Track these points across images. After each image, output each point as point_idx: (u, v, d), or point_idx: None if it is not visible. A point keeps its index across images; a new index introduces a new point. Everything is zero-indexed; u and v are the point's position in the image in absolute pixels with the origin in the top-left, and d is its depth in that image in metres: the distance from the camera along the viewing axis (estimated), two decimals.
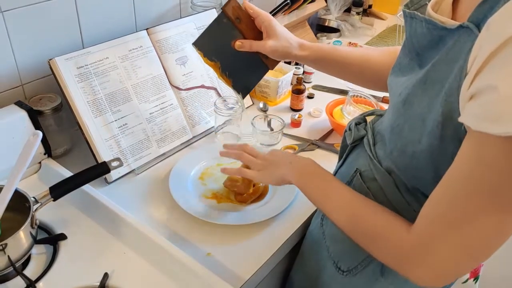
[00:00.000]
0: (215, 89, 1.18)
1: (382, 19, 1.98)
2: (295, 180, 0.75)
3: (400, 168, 0.65)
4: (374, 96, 1.20)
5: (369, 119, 0.79)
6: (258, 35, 0.83)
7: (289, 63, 1.40)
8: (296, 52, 0.85)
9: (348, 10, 1.93)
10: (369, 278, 0.72)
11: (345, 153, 0.79)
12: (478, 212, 0.48)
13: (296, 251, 0.91)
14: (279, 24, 0.84)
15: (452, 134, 0.53)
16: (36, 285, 0.73)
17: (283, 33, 0.84)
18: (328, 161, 1.07)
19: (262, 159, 0.83)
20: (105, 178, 0.95)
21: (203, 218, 0.86)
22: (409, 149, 0.61)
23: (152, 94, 1.05)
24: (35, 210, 0.74)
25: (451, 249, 0.51)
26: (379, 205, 0.63)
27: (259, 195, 0.94)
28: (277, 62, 0.85)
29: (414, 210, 0.65)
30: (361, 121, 0.79)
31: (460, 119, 0.47)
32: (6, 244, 0.69)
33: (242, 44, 0.81)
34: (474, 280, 0.74)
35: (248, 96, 1.27)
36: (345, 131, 0.80)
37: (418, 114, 0.58)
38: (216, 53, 0.80)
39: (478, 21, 0.49)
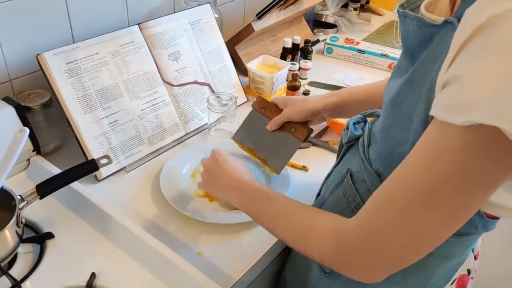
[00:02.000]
0: (208, 85, 1.16)
1: (380, 14, 1.96)
2: (240, 206, 0.74)
3: (388, 171, 0.63)
4: None
5: (370, 119, 0.78)
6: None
7: (293, 58, 1.39)
8: (316, 103, 0.88)
9: (345, 6, 1.91)
10: (350, 281, 0.71)
11: (341, 152, 0.78)
12: (424, 203, 0.47)
13: (288, 251, 0.89)
14: (293, 96, 0.97)
15: None
16: (22, 285, 0.71)
17: (297, 98, 0.92)
18: (323, 158, 1.06)
19: (207, 173, 0.82)
20: (95, 176, 0.93)
21: (194, 216, 0.84)
22: (396, 150, 0.59)
23: (144, 90, 1.03)
24: (21, 208, 0.73)
25: (395, 239, 0.50)
26: (315, 209, 0.64)
27: None
28: (306, 132, 0.89)
29: None
30: (360, 120, 0.78)
31: (430, 112, 0.46)
32: None
33: (270, 125, 0.91)
34: None
35: (242, 93, 1.26)
36: (344, 129, 0.79)
37: (406, 113, 0.57)
38: (251, 140, 0.93)
39: (461, 16, 0.47)
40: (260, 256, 0.80)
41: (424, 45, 0.55)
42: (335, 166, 0.80)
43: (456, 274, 0.69)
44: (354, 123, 0.77)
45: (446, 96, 0.45)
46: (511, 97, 0.39)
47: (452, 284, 0.70)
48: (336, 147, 1.07)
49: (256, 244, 0.82)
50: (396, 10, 0.60)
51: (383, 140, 0.64)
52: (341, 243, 0.55)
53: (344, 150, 0.77)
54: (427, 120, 0.51)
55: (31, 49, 0.95)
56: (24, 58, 0.96)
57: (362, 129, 0.75)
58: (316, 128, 1.17)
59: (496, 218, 0.61)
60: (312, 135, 1.13)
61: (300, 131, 0.88)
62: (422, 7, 0.57)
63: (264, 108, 0.92)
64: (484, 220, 0.59)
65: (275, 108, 0.92)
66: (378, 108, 0.86)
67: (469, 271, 0.71)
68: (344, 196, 0.71)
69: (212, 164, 0.81)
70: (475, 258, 0.75)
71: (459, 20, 0.47)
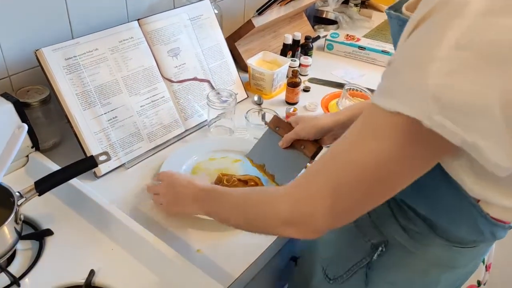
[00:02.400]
0: (208, 81, 1.16)
1: (381, 11, 1.95)
2: (203, 213, 0.76)
3: None
4: (370, 90, 1.18)
5: None
6: None
7: (293, 54, 1.38)
8: (325, 121, 0.87)
9: (346, 2, 1.90)
10: (354, 287, 0.71)
11: None
12: (354, 184, 0.49)
13: (288, 249, 0.89)
14: (307, 115, 0.94)
15: None
16: (21, 281, 0.71)
17: (309, 116, 0.93)
18: None
19: (165, 188, 0.83)
20: (94, 172, 0.93)
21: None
22: None
23: (143, 86, 1.02)
24: (20, 205, 0.72)
25: (323, 194, 0.51)
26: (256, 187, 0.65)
27: None
28: (314, 148, 0.89)
29: (400, 225, 0.64)
30: None
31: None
32: None
33: (282, 142, 0.92)
34: None
35: (242, 89, 1.25)
36: None
37: None
38: (262, 157, 0.96)
39: None
40: (260, 254, 0.80)
41: None
42: None
43: (464, 285, 0.68)
44: None
45: (382, 79, 0.47)
46: (422, 85, 0.40)
47: None
48: None
49: (256, 242, 0.82)
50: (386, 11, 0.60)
51: None
52: (291, 203, 0.56)
53: None
54: None
55: (30, 45, 0.95)
56: (22, 54, 0.96)
57: None
58: None
59: (506, 222, 0.59)
60: None
61: (309, 148, 0.89)
62: (403, 7, 0.57)
63: (278, 126, 0.95)
64: (490, 224, 0.57)
65: (289, 127, 0.94)
66: None
67: (479, 283, 0.70)
68: None
69: (168, 185, 0.82)
70: (487, 269, 0.73)
71: None
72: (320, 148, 0.89)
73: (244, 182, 0.93)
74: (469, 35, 0.38)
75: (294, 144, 0.90)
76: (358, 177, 0.48)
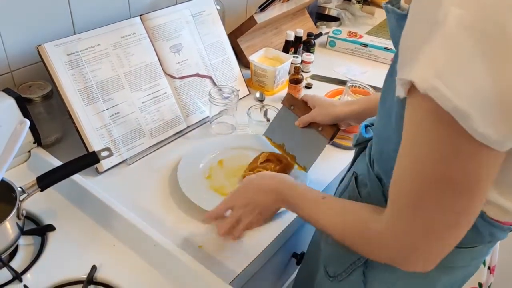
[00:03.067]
0: (210, 77, 1.15)
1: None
2: (286, 207, 0.72)
3: (383, 171, 0.63)
4: (373, 87, 1.17)
5: None
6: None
7: (295, 51, 1.38)
8: (342, 108, 0.88)
9: None
10: (353, 285, 0.71)
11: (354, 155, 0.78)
12: (423, 190, 0.46)
13: (288, 245, 0.89)
14: (323, 97, 0.94)
15: None
16: (23, 277, 0.71)
17: (326, 100, 0.93)
18: (325, 153, 1.05)
19: (243, 205, 0.73)
20: (96, 168, 0.93)
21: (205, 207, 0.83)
22: (385, 148, 0.59)
23: (145, 82, 1.02)
24: (22, 200, 0.72)
25: (415, 229, 0.49)
26: (351, 204, 0.62)
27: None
28: (332, 131, 0.90)
29: None
30: (374, 122, 0.77)
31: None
32: None
33: (299, 123, 0.92)
34: None
35: (244, 85, 1.25)
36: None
37: (388, 110, 0.56)
38: (281, 136, 0.96)
39: None
40: (261, 250, 0.80)
41: None
42: (347, 171, 0.80)
43: (465, 287, 0.68)
44: (366, 125, 0.76)
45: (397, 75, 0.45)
46: (421, 49, 0.39)
47: None
48: (343, 142, 1.07)
49: (258, 238, 0.82)
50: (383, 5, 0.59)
51: (375, 139, 0.64)
52: (377, 247, 0.55)
53: (356, 154, 0.77)
54: (403, 114, 0.51)
55: (32, 40, 0.94)
56: (24, 49, 0.96)
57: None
58: None
59: (504, 223, 0.58)
60: None
61: (327, 130, 0.90)
62: (402, 0, 0.56)
63: (293, 105, 0.94)
64: (488, 225, 0.57)
65: (304, 106, 0.93)
66: None
67: (480, 285, 0.69)
68: (349, 199, 0.70)
69: (241, 195, 0.75)
70: (491, 272, 0.72)
71: None
72: (338, 130, 0.91)
73: (276, 161, 0.93)
74: None
75: (311, 125, 0.91)
76: (425, 187, 0.46)
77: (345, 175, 0.80)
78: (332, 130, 0.89)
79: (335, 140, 1.08)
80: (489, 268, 0.71)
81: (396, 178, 0.50)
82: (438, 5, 0.38)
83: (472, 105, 0.38)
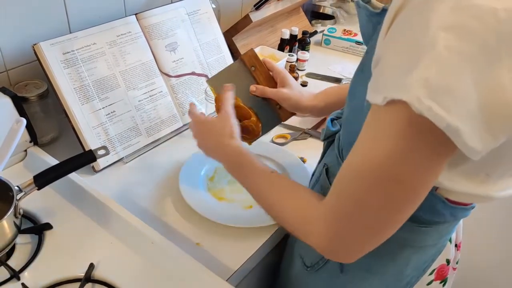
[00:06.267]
0: (206, 76, 1.16)
1: None
2: (227, 169, 0.74)
3: None
4: None
5: None
6: (271, 85, 0.86)
7: (290, 49, 1.38)
8: (306, 102, 0.85)
9: None
10: (330, 274, 0.73)
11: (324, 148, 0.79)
12: (372, 190, 0.48)
13: (286, 243, 0.90)
14: (292, 78, 0.88)
15: None
16: (20, 275, 0.71)
17: (296, 85, 0.86)
18: (320, 150, 1.06)
19: (194, 133, 0.80)
20: (93, 167, 0.93)
21: (205, 214, 0.84)
22: (354, 140, 0.60)
23: (141, 81, 1.03)
24: (19, 199, 0.73)
25: (349, 224, 0.51)
26: (296, 185, 0.63)
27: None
28: (290, 115, 0.85)
29: None
30: (340, 115, 0.78)
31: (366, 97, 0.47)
32: None
33: (256, 89, 0.84)
34: (441, 282, 0.73)
35: None
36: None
37: (358, 103, 0.57)
38: None
39: None
40: (258, 247, 0.80)
41: (373, 34, 0.56)
42: (318, 163, 0.81)
43: (435, 264, 0.70)
44: (332, 119, 0.77)
45: (372, 78, 0.46)
46: (412, 70, 0.40)
47: (431, 274, 0.71)
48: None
49: (254, 235, 0.83)
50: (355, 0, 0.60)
51: (344, 132, 0.65)
52: (310, 231, 0.56)
53: (325, 147, 0.78)
54: None
55: (28, 39, 0.94)
56: (20, 48, 0.96)
57: (341, 125, 0.75)
58: (314, 120, 1.17)
59: (466, 205, 0.61)
60: (309, 127, 1.13)
61: (285, 112, 0.84)
62: None
63: (254, 66, 0.83)
64: (450, 207, 0.59)
65: (266, 74, 0.83)
66: None
67: (448, 261, 0.71)
68: (321, 191, 0.72)
69: (197, 127, 0.79)
70: (457, 249, 0.75)
71: None
72: (294, 114, 0.87)
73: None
74: (452, 17, 0.39)
75: (268, 99, 0.84)
76: (373, 185, 0.48)
77: (316, 167, 0.81)
78: (290, 115, 0.84)
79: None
80: (456, 245, 0.74)
81: (344, 171, 0.52)
82: (425, 28, 0.40)
83: (462, 121, 0.39)
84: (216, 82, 0.84)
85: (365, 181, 0.48)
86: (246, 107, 0.83)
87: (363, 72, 0.57)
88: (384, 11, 0.53)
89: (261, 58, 0.86)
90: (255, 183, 0.67)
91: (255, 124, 0.84)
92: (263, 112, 0.83)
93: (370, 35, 0.57)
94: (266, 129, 0.85)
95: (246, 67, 0.83)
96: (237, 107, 0.80)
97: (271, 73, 0.86)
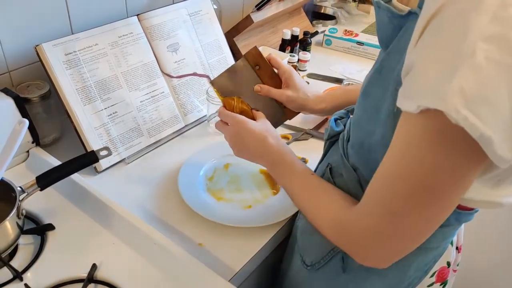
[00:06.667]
0: (207, 76, 1.16)
1: None
2: (268, 170, 0.75)
3: (361, 163, 0.64)
4: None
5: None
6: (276, 84, 0.85)
7: (292, 49, 1.38)
8: (312, 105, 0.85)
9: None
10: (331, 273, 0.73)
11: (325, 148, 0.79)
12: (405, 199, 0.48)
13: (287, 243, 0.90)
14: (299, 77, 0.86)
15: None
16: (23, 276, 0.71)
17: (302, 85, 0.85)
18: (322, 150, 1.06)
19: (229, 137, 0.78)
20: (95, 167, 0.94)
21: (203, 214, 0.84)
22: (366, 141, 0.60)
23: (143, 81, 1.03)
24: (22, 200, 0.73)
25: (380, 233, 0.51)
26: (329, 186, 0.64)
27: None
28: (295, 113, 0.84)
29: None
30: (343, 115, 0.78)
31: (397, 103, 0.47)
32: None
33: (260, 89, 0.83)
34: (441, 285, 0.73)
35: None
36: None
37: (374, 104, 0.57)
38: (232, 93, 0.82)
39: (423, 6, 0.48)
40: (260, 247, 0.80)
41: (394, 36, 0.56)
42: (319, 162, 0.81)
43: (436, 267, 0.70)
44: (335, 119, 0.77)
45: (404, 85, 0.46)
46: (449, 80, 0.40)
47: (432, 276, 0.71)
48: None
49: (256, 236, 0.83)
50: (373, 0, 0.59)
51: (355, 132, 0.65)
52: (342, 234, 0.57)
53: (327, 147, 0.78)
54: (396, 113, 0.52)
55: (30, 40, 0.95)
56: (22, 49, 0.96)
57: (344, 125, 0.75)
58: (315, 120, 1.17)
59: (471, 209, 0.61)
60: (311, 127, 1.14)
61: (290, 112, 0.83)
62: None
63: (258, 65, 0.81)
64: (455, 212, 0.59)
65: (271, 72, 0.82)
66: None
67: (448, 263, 0.71)
68: None
69: (235, 129, 0.77)
70: (458, 251, 0.75)
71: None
72: (299, 112, 0.86)
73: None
74: (492, 28, 0.39)
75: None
76: (406, 193, 0.48)
77: (317, 166, 0.81)
78: (296, 113, 0.84)
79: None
80: (457, 248, 0.74)
81: (377, 179, 0.52)
82: (463, 37, 0.40)
83: (495, 131, 0.40)
84: (220, 83, 0.83)
85: (398, 189, 0.48)
86: (251, 110, 0.83)
87: (381, 74, 0.57)
88: (410, 14, 0.52)
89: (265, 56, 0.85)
90: (295, 184, 0.68)
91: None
92: (268, 111, 0.82)
93: (389, 37, 0.57)
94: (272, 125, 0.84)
95: (250, 65, 0.82)
96: (242, 112, 0.80)
97: (276, 70, 0.85)
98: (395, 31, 0.55)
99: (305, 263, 0.77)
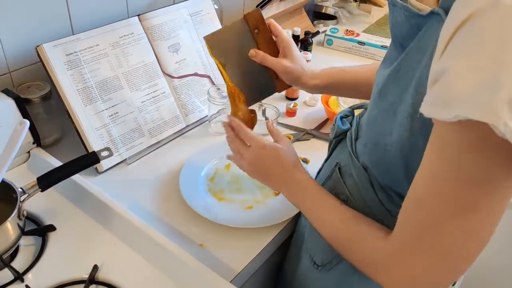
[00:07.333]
0: (208, 77, 1.16)
1: (380, 6, 1.95)
2: (287, 198, 0.72)
3: (373, 163, 0.64)
4: None
5: (358, 112, 0.78)
6: (272, 52, 0.82)
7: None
8: (306, 80, 0.83)
9: None
10: (342, 274, 0.72)
11: (331, 146, 0.78)
12: (446, 216, 0.46)
13: (289, 243, 0.90)
14: (297, 49, 0.83)
15: (420, 127, 0.51)
16: (24, 277, 0.71)
17: (299, 57, 0.82)
18: (324, 151, 1.06)
19: (249, 159, 0.75)
20: (96, 168, 0.93)
21: (204, 214, 0.83)
22: (381, 141, 0.59)
23: (144, 82, 1.02)
24: (23, 201, 0.73)
25: (426, 258, 0.49)
26: (359, 215, 0.62)
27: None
28: (286, 86, 0.82)
29: (386, 209, 0.63)
30: (348, 114, 0.78)
31: (420, 108, 0.45)
32: None
33: (255, 54, 0.79)
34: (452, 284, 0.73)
35: None
36: (332, 125, 0.79)
37: (390, 104, 0.56)
38: (225, 53, 0.78)
39: (448, 7, 0.46)
40: (261, 248, 0.80)
41: (412, 35, 0.54)
42: (325, 161, 0.80)
43: None
44: (341, 117, 0.76)
45: (434, 92, 0.44)
46: (495, 91, 0.38)
47: None
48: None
49: (258, 236, 0.82)
50: None
51: (368, 131, 0.64)
52: (378, 261, 0.55)
53: (333, 145, 0.77)
54: (414, 115, 0.51)
55: (31, 41, 0.94)
56: (23, 50, 0.96)
57: (350, 123, 0.75)
58: (317, 120, 1.17)
59: None
60: (313, 127, 1.13)
61: (282, 83, 0.80)
62: None
63: (258, 29, 0.77)
64: None
65: (269, 38, 0.78)
66: (364, 95, 0.85)
67: None
68: (333, 190, 0.71)
69: (256, 152, 0.74)
70: None
71: (446, 12, 0.46)
72: (290, 86, 0.84)
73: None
74: None
75: (267, 67, 0.80)
76: (446, 212, 0.45)
77: (322, 165, 0.80)
78: (286, 86, 0.81)
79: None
80: None
81: (410, 201, 0.50)
82: (505, 46, 0.38)
83: None
84: (214, 41, 0.79)
85: (435, 207, 0.46)
86: (255, 117, 0.82)
87: (398, 73, 0.55)
88: (431, 14, 0.50)
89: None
90: (321, 216, 0.66)
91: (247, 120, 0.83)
92: (258, 80, 0.79)
93: (405, 36, 0.56)
94: (259, 98, 0.82)
95: (249, 28, 0.78)
96: (230, 94, 0.79)
97: (274, 38, 0.82)
98: (412, 30, 0.54)
99: (315, 263, 0.76)
